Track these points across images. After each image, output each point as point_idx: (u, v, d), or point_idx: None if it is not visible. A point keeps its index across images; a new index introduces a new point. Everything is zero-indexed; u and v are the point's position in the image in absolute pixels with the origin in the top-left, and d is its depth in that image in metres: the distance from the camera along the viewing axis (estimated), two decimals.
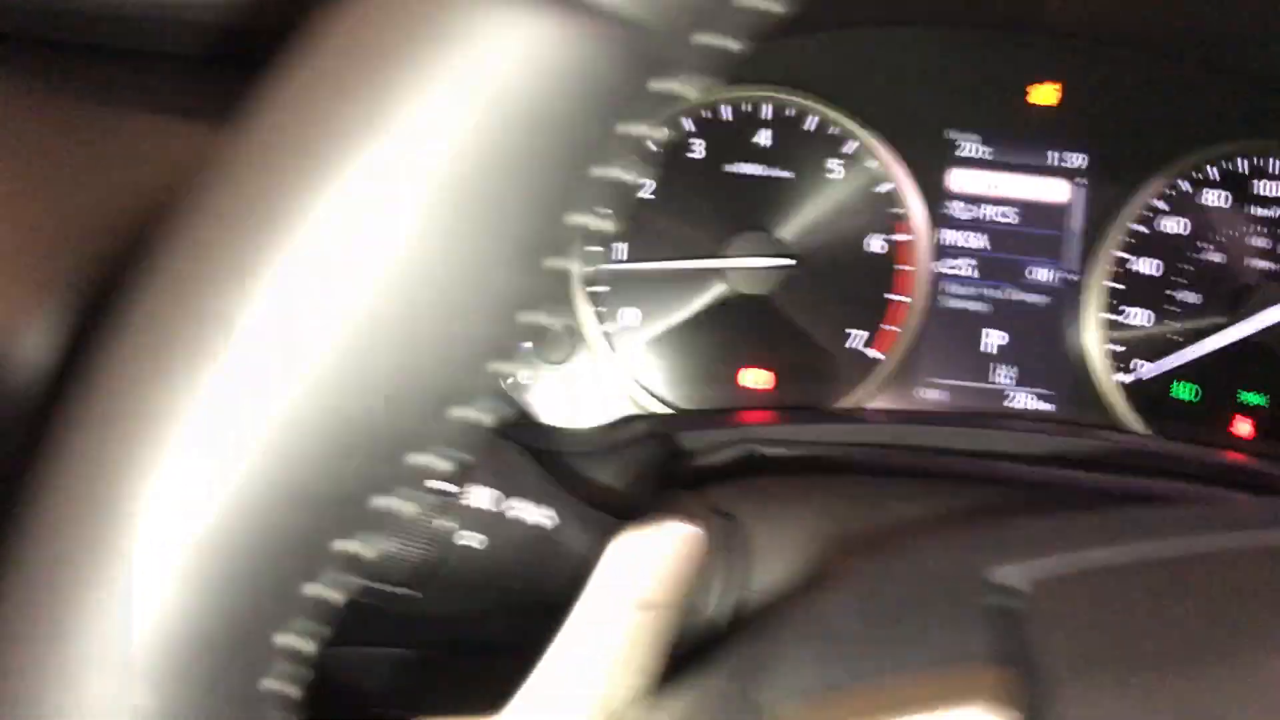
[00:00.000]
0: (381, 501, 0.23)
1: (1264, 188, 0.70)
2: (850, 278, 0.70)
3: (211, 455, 0.20)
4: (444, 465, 0.23)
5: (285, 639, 0.22)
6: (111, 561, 0.20)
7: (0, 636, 0.20)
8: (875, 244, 0.70)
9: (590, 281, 0.69)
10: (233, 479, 0.21)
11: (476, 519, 0.39)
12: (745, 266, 0.68)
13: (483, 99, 0.21)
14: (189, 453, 0.20)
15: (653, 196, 0.69)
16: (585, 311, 0.69)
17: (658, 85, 0.23)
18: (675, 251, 0.69)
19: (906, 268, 0.70)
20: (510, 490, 0.39)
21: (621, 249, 0.69)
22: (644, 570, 0.37)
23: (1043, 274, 0.71)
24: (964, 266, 0.71)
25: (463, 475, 0.39)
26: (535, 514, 0.40)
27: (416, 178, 0.21)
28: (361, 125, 0.21)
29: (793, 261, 0.68)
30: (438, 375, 0.22)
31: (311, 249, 0.21)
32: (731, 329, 0.69)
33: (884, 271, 0.70)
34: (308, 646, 0.23)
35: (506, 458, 0.41)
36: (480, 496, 0.39)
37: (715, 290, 0.69)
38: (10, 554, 0.21)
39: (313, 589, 0.22)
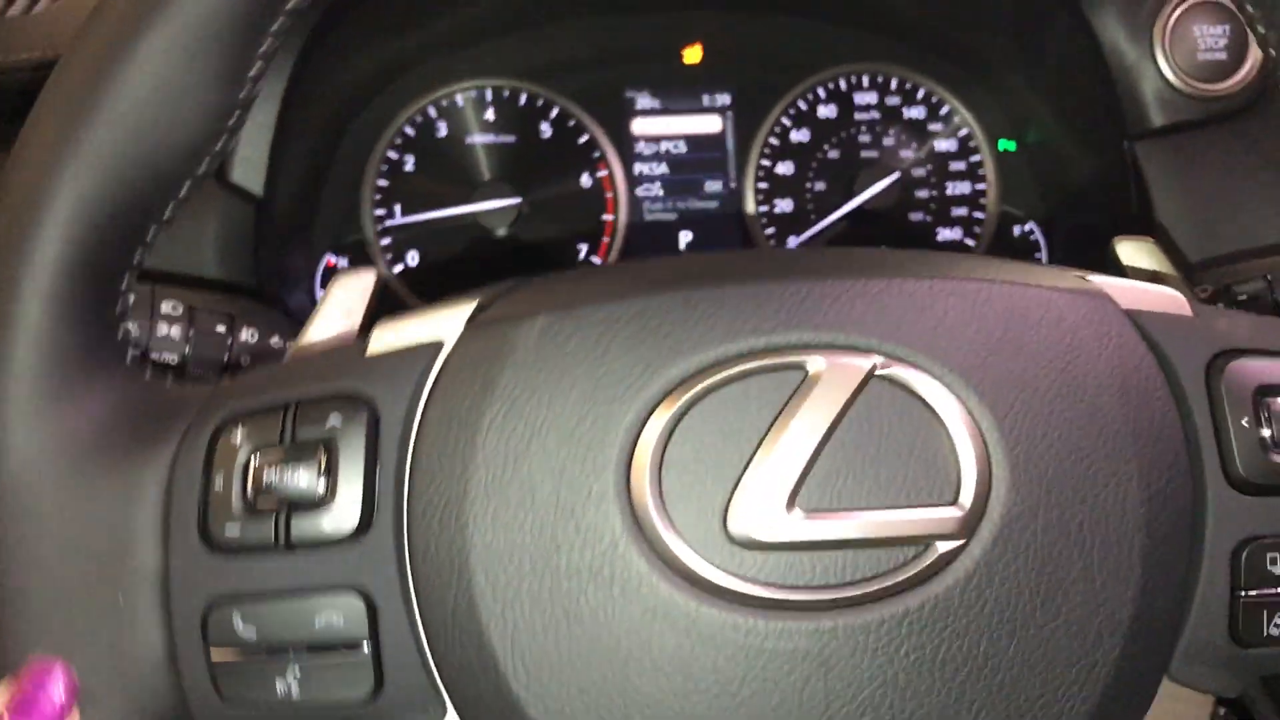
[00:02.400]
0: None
1: (861, 99, 0.95)
2: (572, 208, 0.94)
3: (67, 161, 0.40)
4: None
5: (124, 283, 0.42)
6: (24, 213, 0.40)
7: None
8: (586, 180, 0.95)
9: (380, 236, 0.93)
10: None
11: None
12: (489, 209, 0.92)
13: None
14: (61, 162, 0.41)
15: (413, 169, 0.93)
16: (379, 258, 0.93)
17: None
18: (435, 205, 0.93)
19: (611, 194, 0.95)
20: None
21: (397, 209, 0.93)
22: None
23: (712, 186, 0.95)
24: (654, 188, 0.95)
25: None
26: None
27: None
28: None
29: (519, 199, 0.92)
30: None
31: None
32: (487, 260, 0.93)
33: (596, 199, 0.95)
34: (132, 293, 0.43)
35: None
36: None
37: (471, 232, 0.93)
38: None
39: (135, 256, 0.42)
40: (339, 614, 0.41)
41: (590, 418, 0.41)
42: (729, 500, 0.41)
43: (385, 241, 0.93)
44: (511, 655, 0.41)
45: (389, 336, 0.45)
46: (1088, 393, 0.42)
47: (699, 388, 0.41)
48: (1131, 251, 0.50)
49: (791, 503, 0.40)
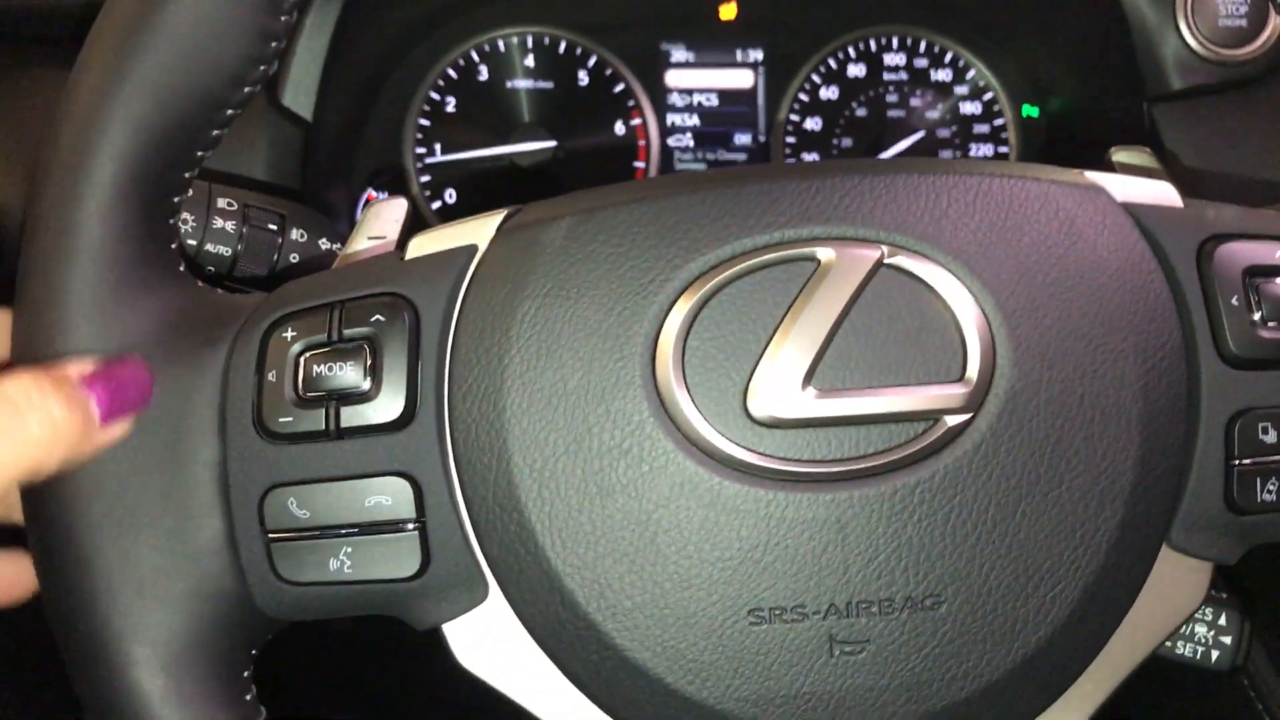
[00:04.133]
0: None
1: (890, 60, 0.98)
2: (604, 155, 0.97)
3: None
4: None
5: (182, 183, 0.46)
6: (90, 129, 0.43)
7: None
8: (619, 128, 0.98)
9: (419, 173, 0.96)
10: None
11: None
12: (524, 150, 0.96)
13: None
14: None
15: (454, 110, 0.96)
16: (418, 195, 0.96)
17: None
18: (473, 146, 0.96)
19: (643, 143, 0.98)
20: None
21: (437, 147, 0.96)
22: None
23: (741, 139, 0.98)
24: (685, 139, 0.98)
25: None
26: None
27: None
28: None
29: (554, 143, 0.96)
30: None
31: None
32: (521, 202, 0.96)
33: (629, 148, 0.98)
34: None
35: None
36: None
37: (506, 174, 0.96)
38: None
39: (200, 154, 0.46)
40: (387, 496, 0.45)
41: (616, 310, 0.44)
42: (748, 382, 0.44)
43: (424, 179, 0.96)
44: (549, 530, 0.44)
45: (426, 244, 0.48)
46: (1085, 277, 0.45)
47: (717, 280, 0.44)
48: (1127, 156, 0.53)
49: (807, 383, 0.44)
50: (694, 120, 0.99)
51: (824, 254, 0.44)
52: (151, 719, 0.43)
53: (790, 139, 0.98)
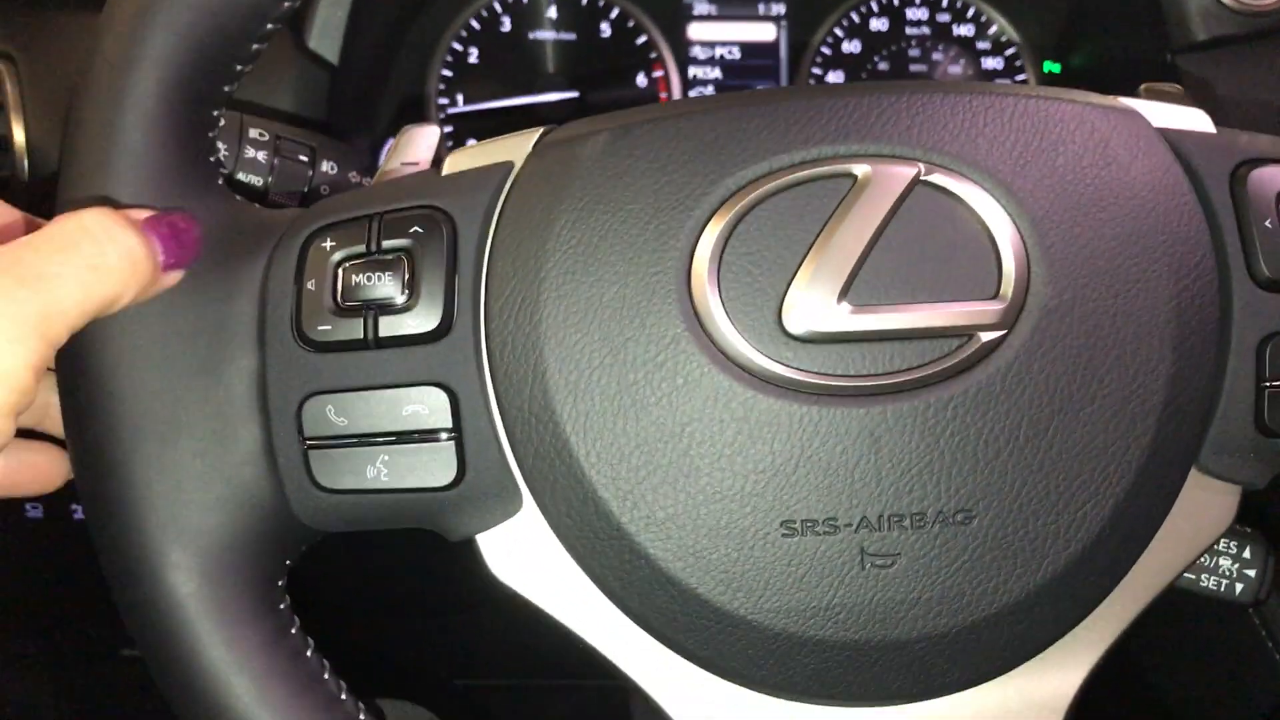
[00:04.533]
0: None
1: (912, 14, 0.98)
2: (627, 107, 0.97)
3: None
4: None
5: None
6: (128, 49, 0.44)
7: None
8: (641, 80, 0.98)
9: (442, 124, 0.96)
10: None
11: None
12: (546, 101, 0.96)
13: None
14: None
15: (476, 61, 0.97)
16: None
17: None
18: (496, 97, 0.96)
19: (665, 95, 0.98)
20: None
21: (459, 98, 0.97)
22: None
23: None
24: (707, 92, 0.98)
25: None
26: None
27: None
28: None
29: (576, 94, 0.96)
30: None
31: None
32: None
33: (651, 100, 0.98)
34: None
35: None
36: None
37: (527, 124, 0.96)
38: None
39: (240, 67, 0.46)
40: (423, 406, 0.45)
41: (653, 225, 0.45)
42: (783, 297, 0.44)
43: (447, 129, 0.96)
44: (584, 441, 0.44)
45: (462, 160, 0.48)
46: (1119, 198, 0.45)
47: (754, 195, 0.45)
48: (1158, 89, 0.53)
49: (842, 298, 0.44)
50: (716, 73, 0.99)
51: (860, 170, 0.45)
52: (186, 622, 0.43)
53: None
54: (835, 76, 0.98)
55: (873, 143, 0.45)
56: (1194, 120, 0.48)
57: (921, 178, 0.45)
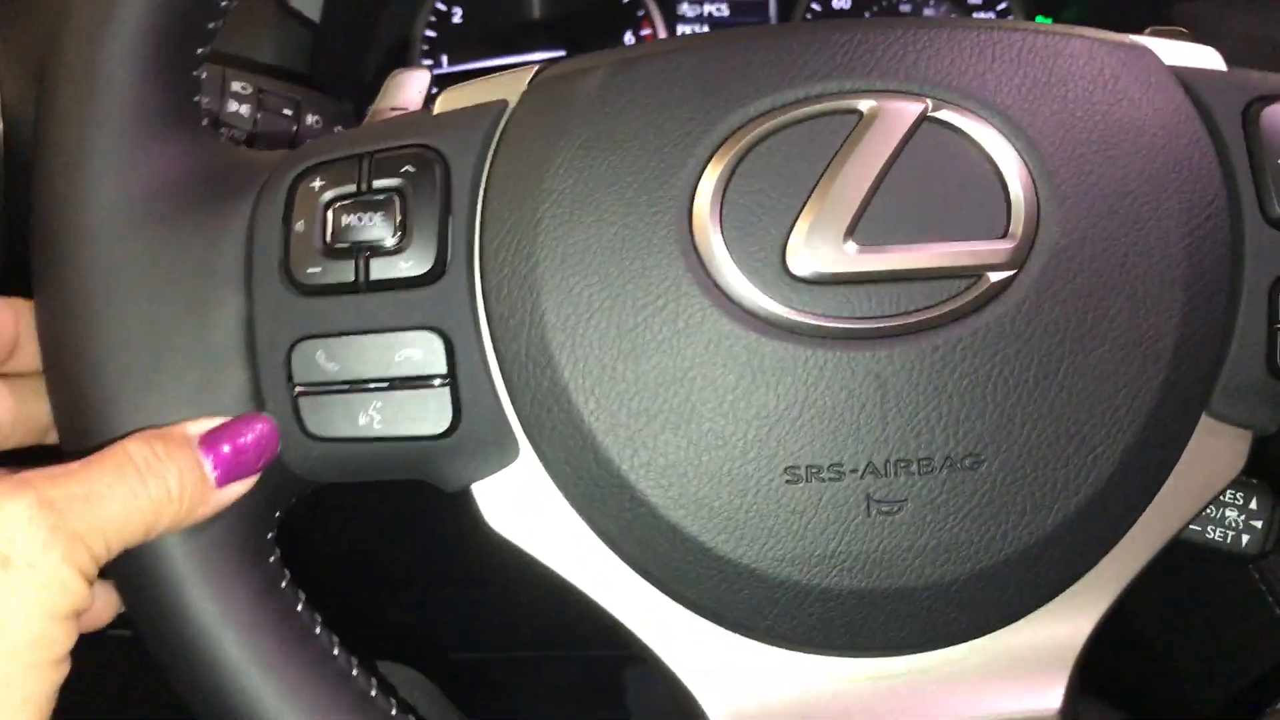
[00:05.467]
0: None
1: None
2: None
3: None
4: None
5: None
6: None
7: None
8: (629, 39, 0.96)
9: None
10: None
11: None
12: (533, 60, 0.94)
13: None
14: None
15: (461, 20, 0.95)
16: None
17: None
18: (480, 57, 0.95)
19: None
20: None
21: (444, 59, 0.95)
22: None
23: None
24: None
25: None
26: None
27: None
28: None
29: (563, 54, 0.94)
30: None
31: None
32: None
33: None
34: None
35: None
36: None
37: None
38: None
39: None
40: (417, 350, 0.43)
41: (653, 163, 0.43)
42: (787, 237, 0.43)
43: (432, 91, 0.95)
44: (582, 386, 0.43)
45: (456, 98, 0.47)
46: (1130, 135, 0.44)
47: (756, 132, 0.43)
48: (1165, 32, 0.52)
49: (847, 237, 0.43)
50: (705, 31, 0.97)
51: (867, 106, 0.43)
52: (174, 573, 0.42)
53: None
54: None
55: (879, 78, 0.44)
56: (1205, 58, 0.47)
57: (929, 114, 0.43)
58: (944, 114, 0.43)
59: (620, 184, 0.43)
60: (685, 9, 0.97)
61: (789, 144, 0.44)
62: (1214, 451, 0.46)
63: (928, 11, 0.96)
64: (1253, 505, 0.58)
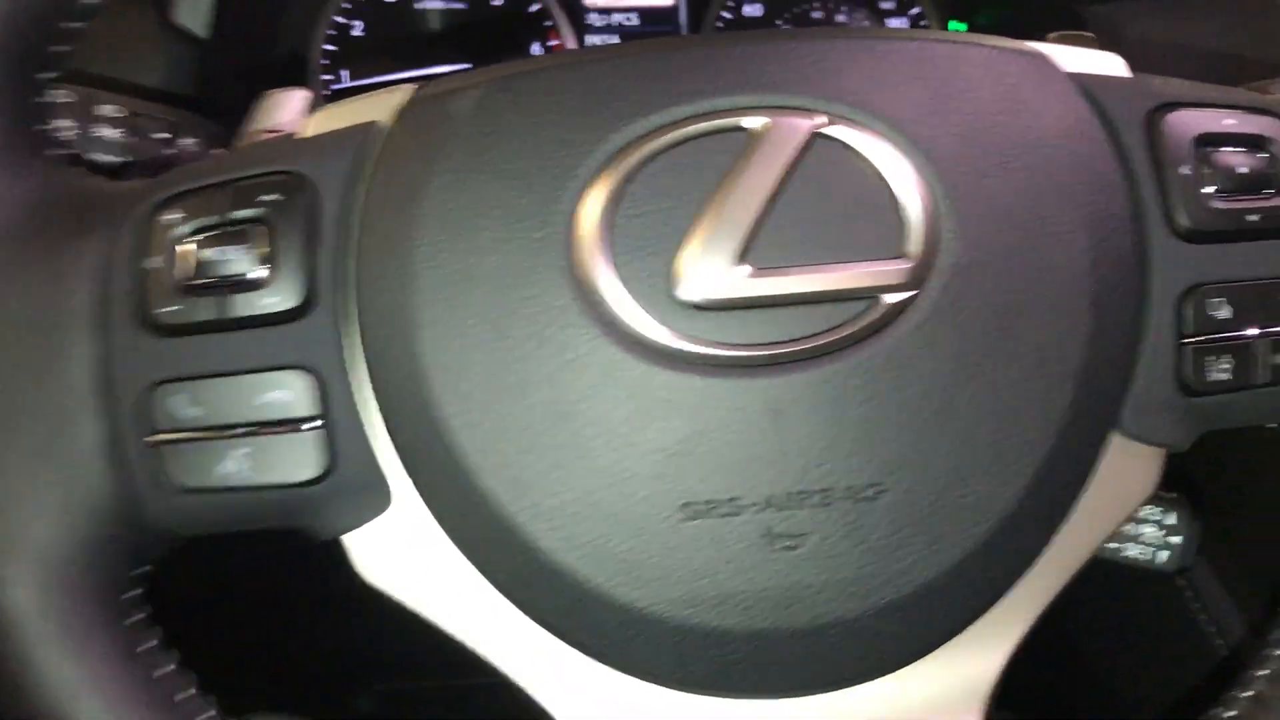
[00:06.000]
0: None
1: None
2: None
3: None
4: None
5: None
6: None
7: None
8: (536, 50, 0.94)
9: (327, 101, 0.92)
10: None
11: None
12: (436, 75, 0.91)
13: None
14: None
15: (362, 33, 0.92)
16: None
17: None
18: (383, 71, 0.92)
19: None
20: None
21: (344, 74, 0.92)
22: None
23: None
24: None
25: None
26: None
27: None
28: None
29: (468, 67, 0.91)
30: None
31: None
32: None
33: None
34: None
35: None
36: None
37: None
38: None
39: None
40: (286, 391, 0.41)
41: (534, 187, 0.41)
42: (676, 262, 0.41)
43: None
44: (464, 425, 0.40)
45: (326, 121, 0.44)
46: (1030, 146, 0.42)
47: (643, 152, 0.41)
48: (1070, 38, 0.50)
49: (739, 261, 0.40)
50: (614, 41, 0.95)
51: (756, 123, 0.41)
52: (29, 641, 0.39)
53: None
54: None
55: (768, 93, 0.42)
56: (1107, 65, 0.46)
57: (820, 130, 0.41)
58: (836, 130, 0.41)
59: (499, 210, 0.41)
60: (594, 19, 0.95)
61: (677, 164, 0.41)
62: (1126, 471, 0.45)
63: (840, 18, 0.94)
64: (1171, 520, 0.56)
